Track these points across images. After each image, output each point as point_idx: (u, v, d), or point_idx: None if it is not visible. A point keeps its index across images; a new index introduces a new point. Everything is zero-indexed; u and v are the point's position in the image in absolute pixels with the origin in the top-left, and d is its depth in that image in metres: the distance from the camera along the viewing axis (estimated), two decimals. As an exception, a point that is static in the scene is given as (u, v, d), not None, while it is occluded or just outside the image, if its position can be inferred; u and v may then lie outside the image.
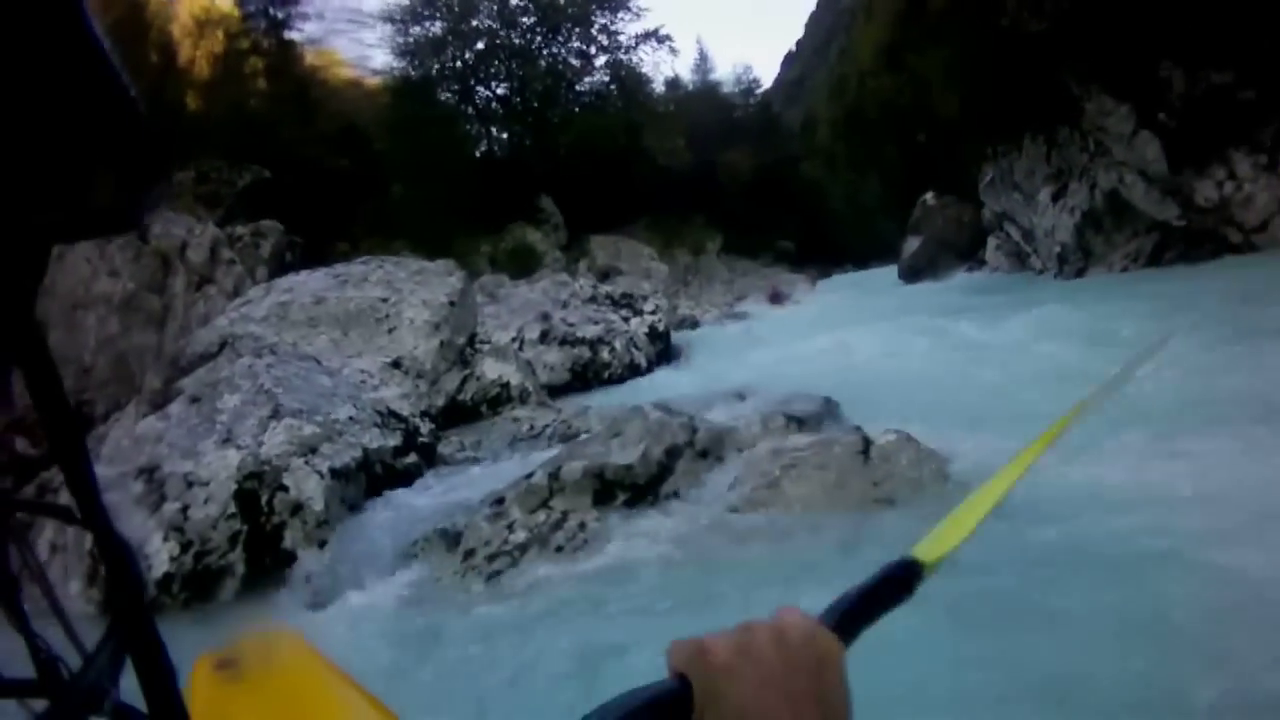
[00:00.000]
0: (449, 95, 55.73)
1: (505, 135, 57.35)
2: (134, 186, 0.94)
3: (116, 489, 8.67)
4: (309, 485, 8.59)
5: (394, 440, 10.37)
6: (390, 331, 13.77)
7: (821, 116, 64.08)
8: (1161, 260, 22.87)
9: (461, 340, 14.42)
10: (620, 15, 59.22)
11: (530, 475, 8.49)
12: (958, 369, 13.71)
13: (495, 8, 56.06)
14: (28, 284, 0.97)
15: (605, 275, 39.66)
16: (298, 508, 8.40)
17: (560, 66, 58.15)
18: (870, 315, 23.78)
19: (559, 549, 7.62)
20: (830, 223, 64.87)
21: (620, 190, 51.26)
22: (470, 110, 56.98)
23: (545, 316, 18.75)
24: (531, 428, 12.25)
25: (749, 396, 11.45)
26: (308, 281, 15.13)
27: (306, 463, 8.82)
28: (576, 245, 47.93)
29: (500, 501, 8.26)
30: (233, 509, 8.34)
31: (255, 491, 8.46)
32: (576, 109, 58.06)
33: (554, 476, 8.32)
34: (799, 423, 9.09)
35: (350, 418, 10.09)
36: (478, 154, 54.98)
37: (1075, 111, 24.53)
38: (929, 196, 40.56)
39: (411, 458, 10.51)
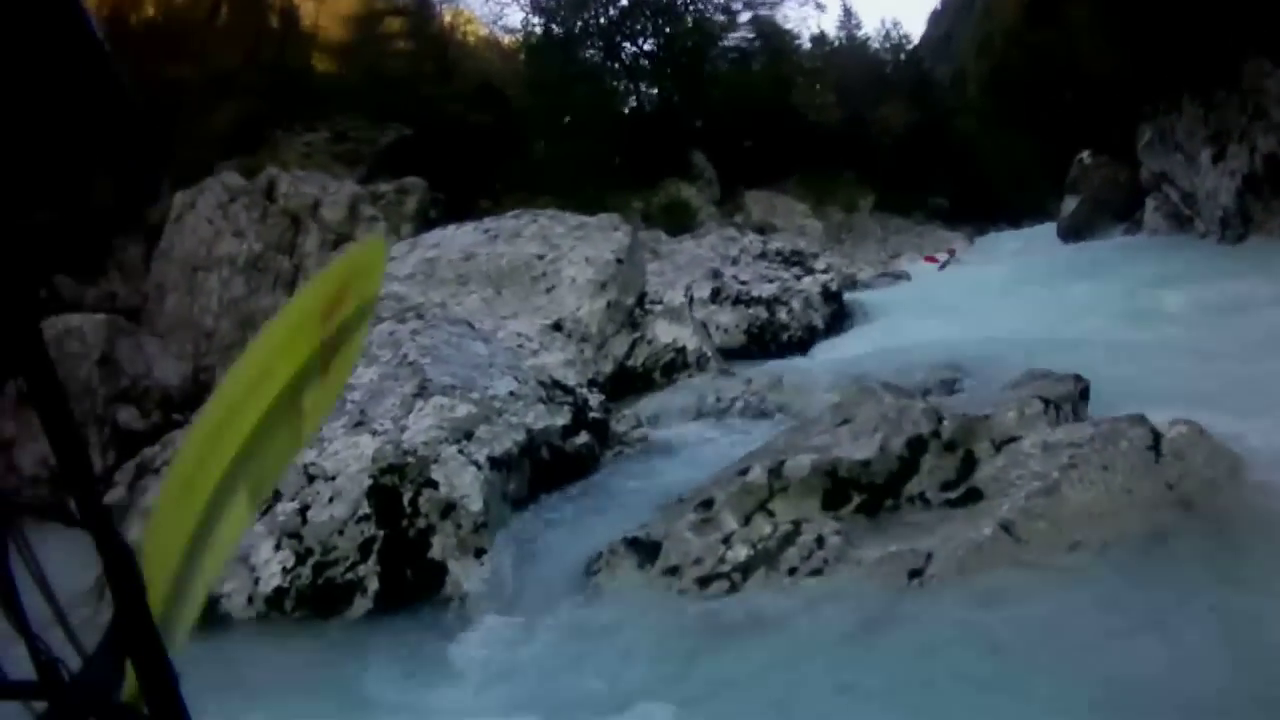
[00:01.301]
0: (593, 52, 54.44)
1: (655, 91, 55.84)
2: (133, 184, 1.66)
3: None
4: (463, 479, 6.83)
5: (562, 418, 8.62)
6: (549, 291, 12.31)
7: (970, 73, 62.70)
8: None
9: (630, 300, 12.90)
10: (764, -30, 57.97)
11: (745, 471, 6.70)
12: (1189, 341, 11.92)
13: (639, -37, 54.86)
14: (26, 288, 0.99)
15: (760, 231, 38.25)
16: (449, 508, 6.66)
17: (707, 22, 56.27)
18: (1050, 276, 22.52)
19: (792, 571, 5.91)
20: (983, 180, 62.96)
21: (771, 146, 49.76)
22: (616, 66, 55.54)
23: (715, 274, 17.21)
24: (718, 399, 10.57)
25: (965, 373, 10.00)
26: (455, 237, 13.71)
27: (460, 451, 7.06)
28: (730, 200, 46.84)
29: (708, 504, 6.52)
30: (365, 509, 6.64)
31: (395, 488, 6.72)
32: (723, 65, 56.65)
33: (774, 473, 6.55)
34: (1056, 408, 7.15)
35: (511, 392, 8.32)
36: (626, 110, 53.86)
37: (1233, 73, 23.16)
38: (1085, 155, 38.68)
39: (583, 438, 8.76)
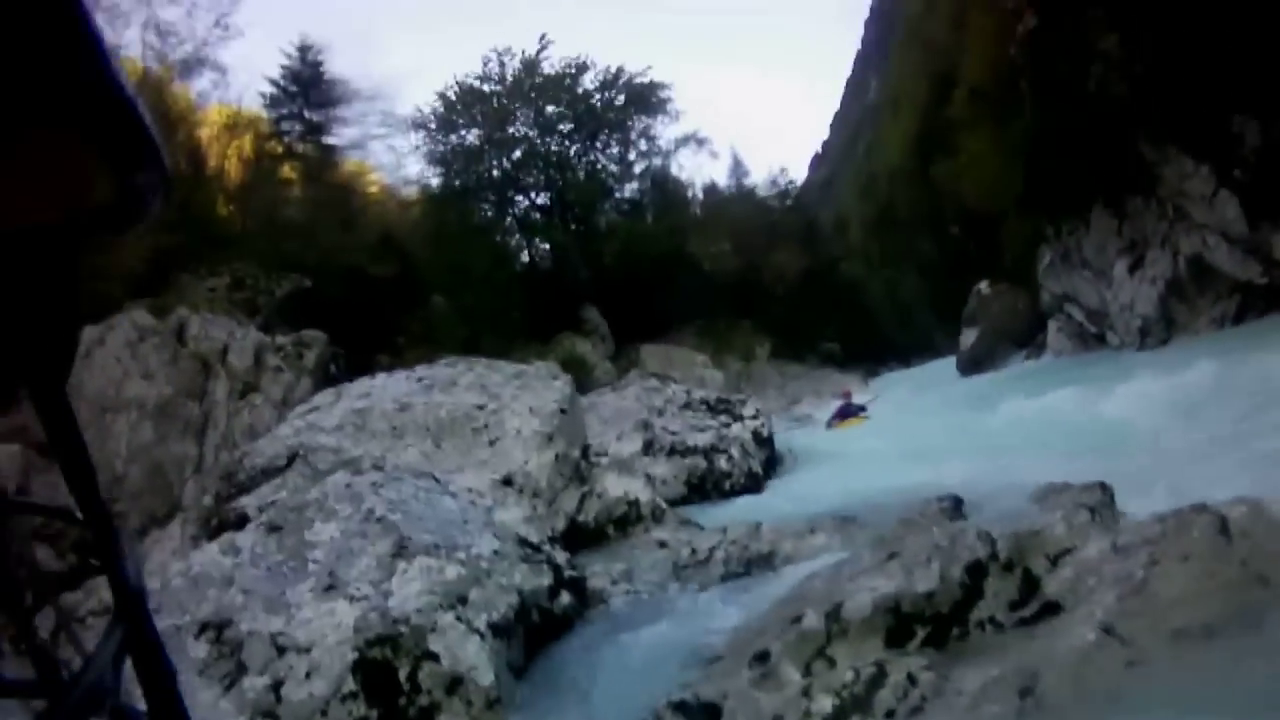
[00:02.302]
0: (487, 205, 54.64)
1: (547, 245, 55.91)
2: (133, 184, 0.94)
3: (171, 650, 5.97)
4: (468, 650, 5.91)
5: (545, 578, 7.77)
6: (492, 444, 11.53)
7: (853, 216, 64.25)
8: (1244, 320, 22.39)
9: (575, 453, 12.19)
10: (659, 119, 58.20)
11: (799, 618, 6.01)
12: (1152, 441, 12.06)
13: (532, 115, 54.80)
14: (30, 292, 1.01)
15: (661, 384, 38.41)
16: (456, 683, 5.73)
17: (600, 174, 57.02)
18: (953, 407, 23.58)
19: (889, 714, 5.33)
20: (871, 322, 63.96)
21: (667, 297, 50.33)
22: (509, 220, 55.93)
23: (645, 425, 16.53)
24: (694, 552, 9.75)
25: (960, 499, 9.13)
26: (386, 385, 12.98)
27: (458, 618, 6.13)
28: (624, 355, 46.82)
29: (763, 657, 5.80)
30: (351, 686, 5.65)
31: (389, 662, 5.74)
32: (617, 216, 57.30)
33: (832, 617, 5.93)
34: (1096, 514, 6.79)
35: (495, 551, 7.42)
36: (520, 264, 54.12)
37: (1149, 179, 24.14)
38: (983, 286, 39.38)
39: (565, 598, 7.94)
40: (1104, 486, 7.48)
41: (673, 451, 15.71)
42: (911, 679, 5.44)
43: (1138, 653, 5.24)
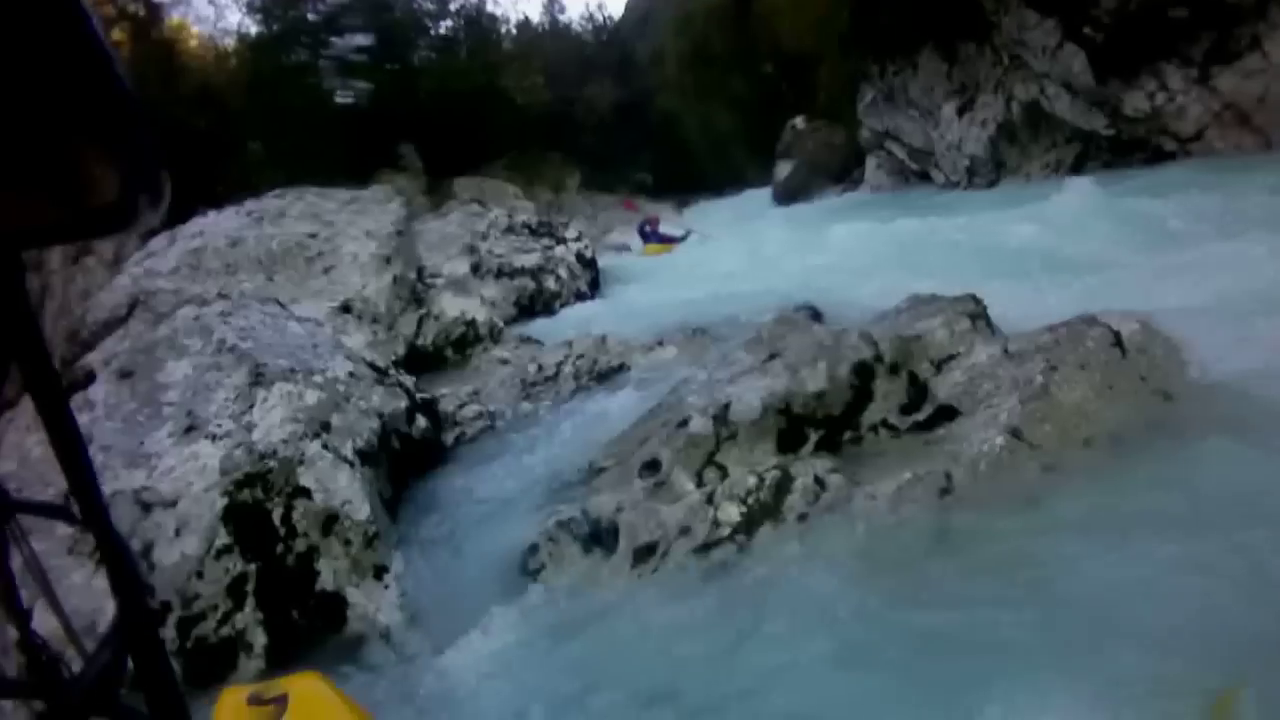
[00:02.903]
0: (304, 49, 53.50)
1: (365, 85, 55.20)
2: (133, 183, 0.94)
3: (36, 529, 5.48)
4: (340, 480, 5.52)
5: (402, 401, 7.44)
6: (327, 271, 11.18)
7: (669, 51, 63.94)
8: (1083, 169, 22.13)
9: (412, 275, 12.02)
10: (475, -46, 57.81)
11: (685, 422, 5.84)
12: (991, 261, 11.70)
13: (350, -43, 54.29)
14: (23, 283, 1.03)
15: (472, 216, 38.44)
16: (331, 520, 5.34)
17: (416, 13, 56.66)
18: (776, 230, 22.81)
19: (802, 518, 5.18)
20: (685, 154, 64.05)
21: (479, 132, 50.41)
22: (327, 63, 54.64)
23: (471, 249, 16.25)
24: (540, 368, 9.49)
25: (827, 316, 8.95)
26: (218, 222, 12.45)
27: (324, 446, 5.73)
28: (438, 189, 46.51)
29: (653, 466, 5.64)
30: (224, 539, 5.21)
31: (260, 505, 5.33)
32: (433, 55, 56.79)
33: (720, 420, 5.78)
34: (976, 323, 6.78)
35: (350, 374, 7.04)
36: (337, 105, 53.14)
37: (983, 26, 24.19)
38: (798, 121, 39.80)
39: (422, 422, 7.60)
40: (975, 298, 7.32)
41: (500, 273, 15.65)
42: (819, 482, 5.31)
43: (1048, 456, 5.32)
